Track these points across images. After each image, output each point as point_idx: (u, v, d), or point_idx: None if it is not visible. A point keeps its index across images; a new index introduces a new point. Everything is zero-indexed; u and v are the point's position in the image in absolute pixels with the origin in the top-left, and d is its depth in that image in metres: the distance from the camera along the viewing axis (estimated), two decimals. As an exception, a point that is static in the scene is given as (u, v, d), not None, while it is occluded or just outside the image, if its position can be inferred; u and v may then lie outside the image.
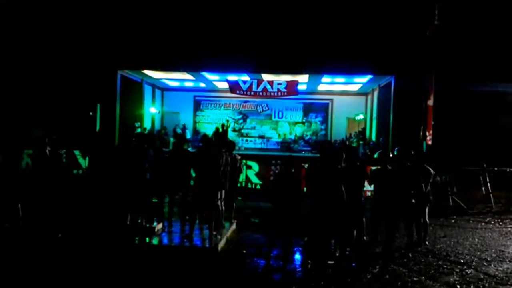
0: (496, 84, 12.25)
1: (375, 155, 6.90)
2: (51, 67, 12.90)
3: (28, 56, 12.81)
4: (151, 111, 17.06)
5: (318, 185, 5.39)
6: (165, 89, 18.46)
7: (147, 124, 16.40)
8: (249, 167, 10.60)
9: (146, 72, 14.56)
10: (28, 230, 6.18)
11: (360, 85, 15.98)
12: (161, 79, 16.34)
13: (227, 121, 17.20)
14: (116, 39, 12.59)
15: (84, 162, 11.26)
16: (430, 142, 10.40)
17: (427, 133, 10.43)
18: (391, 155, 6.96)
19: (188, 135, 16.74)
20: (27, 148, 7.89)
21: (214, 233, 6.46)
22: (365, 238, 6.49)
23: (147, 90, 16.81)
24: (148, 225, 6.63)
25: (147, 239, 6.31)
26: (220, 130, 15.11)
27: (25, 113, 12.57)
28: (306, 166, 10.06)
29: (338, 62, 12.34)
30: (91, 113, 12.94)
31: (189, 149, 8.13)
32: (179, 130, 16.35)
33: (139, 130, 13.74)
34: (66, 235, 6.13)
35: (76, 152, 11.48)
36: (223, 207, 6.80)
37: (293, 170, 5.96)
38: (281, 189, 5.56)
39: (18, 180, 6.58)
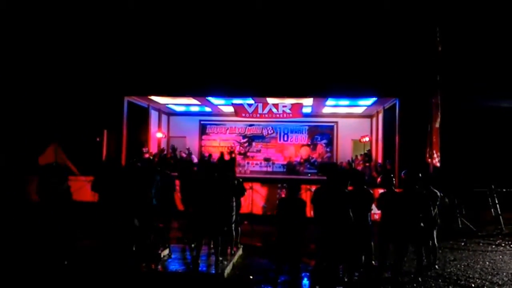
0: (504, 102, 12.25)
1: (378, 181, 6.88)
2: (59, 93, 13.14)
3: (36, 83, 13.07)
4: (157, 136, 17.19)
5: (325, 209, 5.37)
6: (171, 114, 18.65)
7: (154, 149, 16.49)
8: (255, 190, 10.58)
9: (153, 98, 14.75)
10: (34, 256, 6.17)
11: (364, 108, 16.05)
12: (167, 104, 16.53)
13: (232, 147, 17.31)
14: (123, 66, 12.83)
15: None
16: (438, 164, 10.33)
17: (435, 155, 10.38)
18: (398, 178, 6.94)
19: (195, 159, 16.77)
20: (32, 174, 7.99)
21: (221, 258, 6.42)
22: (373, 262, 6.40)
23: (154, 116, 16.98)
24: (154, 252, 6.61)
25: (153, 266, 6.28)
26: (226, 156, 15.13)
27: (32, 139, 12.72)
28: (312, 189, 10.06)
29: (342, 86, 12.45)
30: (98, 139, 13.07)
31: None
32: (184, 155, 16.38)
33: (147, 155, 13.82)
34: (72, 262, 6.12)
35: (83, 178, 11.56)
36: (234, 232, 6.83)
37: (298, 195, 5.94)
38: (286, 214, 5.52)
39: (24, 206, 6.64)
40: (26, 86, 13.09)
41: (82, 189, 11.31)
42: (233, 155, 15.45)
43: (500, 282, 6.08)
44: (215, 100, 15.11)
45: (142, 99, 15.01)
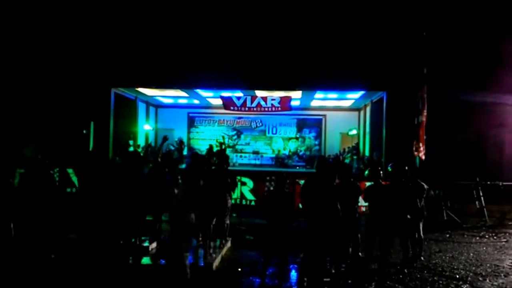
0: (488, 96, 12.42)
1: (366, 173, 6.94)
2: (45, 84, 12.90)
3: (21, 74, 12.81)
4: (145, 128, 17.06)
5: (314, 202, 5.39)
6: (159, 106, 18.50)
7: (141, 142, 16.37)
8: (243, 183, 10.59)
9: (140, 89, 14.60)
10: (21, 250, 6.09)
11: (352, 101, 16.14)
12: (155, 96, 16.39)
13: (223, 137, 17.23)
14: (110, 57, 12.64)
15: (77, 181, 11.21)
16: (423, 157, 10.46)
17: (421, 148, 10.50)
18: (385, 171, 7.00)
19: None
20: (19, 167, 7.84)
21: (210, 251, 6.42)
22: (360, 254, 6.47)
23: (141, 108, 16.83)
24: (141, 245, 6.58)
25: (141, 259, 6.25)
26: (216, 147, 15.01)
27: (17, 131, 12.51)
28: (301, 182, 10.11)
29: (330, 79, 12.48)
30: (84, 131, 12.90)
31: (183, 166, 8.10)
32: (171, 147, 16.24)
33: (132, 148, 13.68)
34: (59, 255, 6.06)
35: (69, 171, 11.42)
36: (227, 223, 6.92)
37: (286, 187, 5.95)
38: (274, 206, 5.53)
39: (10, 199, 6.53)
40: (11, 78, 12.83)
41: (68, 181, 11.23)
42: (223, 147, 15.34)
43: (483, 273, 6.20)
44: (203, 93, 15.03)
45: (129, 90, 14.85)
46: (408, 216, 6.39)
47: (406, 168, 6.75)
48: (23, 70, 12.78)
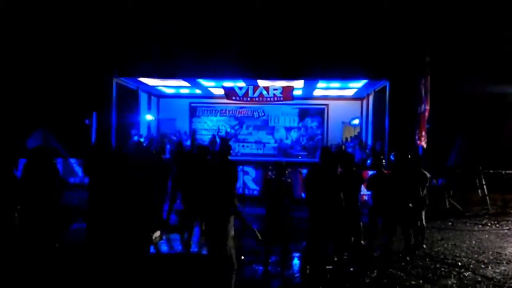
0: (492, 86, 12.35)
1: (368, 163, 6.95)
2: (47, 75, 12.90)
3: (24, 64, 12.81)
4: (147, 118, 17.05)
5: (317, 191, 5.40)
6: (161, 96, 18.47)
7: (143, 132, 16.37)
8: (246, 173, 10.61)
9: (142, 79, 14.56)
10: (25, 239, 6.14)
11: (355, 90, 16.05)
12: (157, 86, 16.35)
13: (219, 129, 17.24)
14: (112, 47, 12.60)
15: (80, 170, 11.27)
16: (425, 145, 10.45)
17: (423, 137, 10.48)
18: (388, 160, 7.00)
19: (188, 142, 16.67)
20: (22, 157, 7.88)
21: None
22: (362, 242, 6.50)
23: (143, 98, 16.80)
24: (146, 234, 6.62)
25: (145, 248, 6.30)
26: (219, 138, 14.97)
27: (20, 122, 12.54)
28: (303, 171, 10.13)
29: (332, 68, 12.40)
30: (87, 121, 12.91)
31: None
32: (174, 138, 16.30)
33: (136, 137, 13.70)
34: (63, 245, 6.11)
35: (72, 161, 11.48)
36: None
37: (285, 176, 5.95)
38: (273, 195, 5.54)
39: (14, 189, 6.56)
40: (14, 68, 12.83)
41: (71, 172, 11.30)
42: (227, 139, 15.32)
43: (485, 261, 6.23)
44: (205, 83, 14.98)
45: (131, 81, 14.82)
46: (410, 205, 6.41)
47: (409, 157, 6.75)
48: (25, 61, 12.77)
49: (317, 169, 5.58)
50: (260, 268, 5.69)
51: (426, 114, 10.49)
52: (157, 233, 6.84)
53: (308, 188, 5.52)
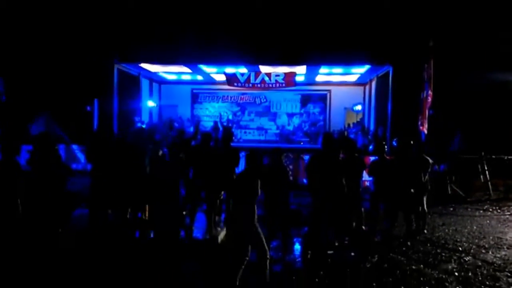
0: (494, 72, 12.25)
1: (370, 149, 6.94)
2: (48, 62, 12.85)
3: (24, 51, 12.75)
4: (149, 105, 17.03)
5: (319, 177, 5.40)
6: (162, 82, 18.41)
7: (145, 118, 16.37)
8: (248, 159, 10.62)
9: (143, 65, 14.50)
10: (28, 225, 6.19)
11: (358, 76, 15.94)
12: (158, 72, 16.29)
13: (221, 115, 17.21)
14: (113, 33, 12.51)
15: (82, 157, 11.31)
16: (426, 131, 10.43)
17: (424, 122, 10.45)
18: (390, 146, 6.99)
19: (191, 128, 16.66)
20: (25, 143, 7.91)
21: (215, 225, 6.51)
22: (364, 227, 6.54)
23: (145, 84, 16.76)
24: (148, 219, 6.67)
25: (147, 233, 6.34)
26: (222, 126, 14.92)
27: (22, 109, 12.55)
28: (305, 157, 10.13)
29: (335, 53, 12.29)
30: (88, 108, 12.91)
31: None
32: (176, 125, 16.29)
33: (139, 124, 13.71)
34: (67, 230, 6.17)
35: (75, 147, 11.51)
36: None
37: (282, 161, 5.94)
38: (269, 181, 5.54)
39: (17, 175, 6.60)
40: (16, 56, 12.78)
41: (74, 158, 11.34)
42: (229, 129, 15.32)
43: (486, 246, 6.26)
44: (207, 68, 14.90)
45: (133, 67, 14.76)
46: (412, 190, 6.42)
47: (411, 142, 6.73)
48: (27, 49, 12.71)
49: (319, 155, 5.58)
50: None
51: (429, 99, 10.44)
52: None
53: (310, 174, 5.53)
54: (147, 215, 6.72)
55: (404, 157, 6.56)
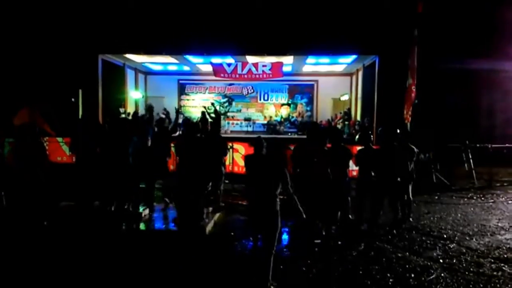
0: (477, 61, 12.37)
1: (356, 138, 6.96)
2: (31, 52, 12.56)
3: (7, 43, 12.44)
4: (134, 96, 16.84)
5: (304, 166, 5.39)
6: (148, 73, 18.21)
7: (131, 109, 16.20)
8: (235, 150, 10.59)
9: (128, 56, 14.29)
10: (13, 218, 6.10)
11: (344, 66, 15.99)
12: (144, 63, 16.09)
13: (212, 104, 17.10)
14: (96, 22, 12.27)
15: (67, 150, 11.14)
16: (409, 120, 10.52)
17: (409, 111, 10.54)
18: (376, 135, 7.01)
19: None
20: (8, 137, 7.75)
21: (203, 216, 6.49)
22: (350, 216, 6.59)
23: (130, 75, 16.56)
24: (135, 211, 6.62)
25: (134, 225, 6.30)
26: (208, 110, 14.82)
27: (4, 101, 12.27)
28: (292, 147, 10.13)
29: (322, 43, 12.29)
30: (73, 99, 12.70)
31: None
32: (163, 116, 16.16)
33: (123, 115, 13.55)
34: (52, 223, 6.09)
35: (59, 139, 11.32)
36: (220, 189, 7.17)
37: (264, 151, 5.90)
38: (254, 171, 5.52)
39: (1, 168, 6.48)
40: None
41: (58, 150, 11.16)
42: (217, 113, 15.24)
43: (470, 233, 6.36)
44: (193, 59, 14.77)
45: (117, 57, 14.54)
46: (399, 179, 6.47)
47: (397, 131, 6.77)
48: (9, 40, 12.40)
49: (303, 144, 5.58)
50: (250, 243, 5.73)
51: (412, 88, 10.51)
52: (146, 211, 6.83)
53: (295, 162, 5.53)
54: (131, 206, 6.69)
55: (388, 146, 6.58)
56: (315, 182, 5.40)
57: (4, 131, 7.96)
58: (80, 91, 12.62)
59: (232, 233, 6.16)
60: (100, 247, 5.41)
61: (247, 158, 4.78)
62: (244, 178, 4.74)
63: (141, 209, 6.72)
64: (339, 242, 5.77)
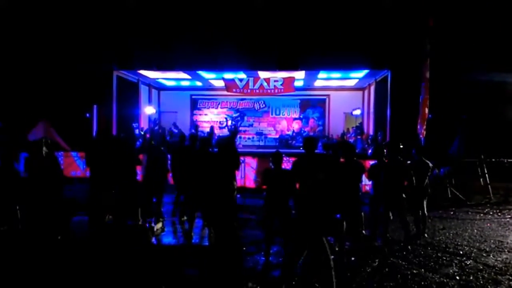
0: (493, 74, 12.27)
1: (369, 152, 6.90)
2: (47, 69, 12.87)
3: (24, 59, 12.78)
4: (148, 111, 17.03)
5: (306, 181, 5.33)
6: (161, 89, 18.44)
7: (145, 125, 16.37)
8: (247, 164, 10.60)
9: (142, 72, 14.53)
10: (27, 232, 6.17)
11: (356, 80, 15.98)
12: (157, 79, 16.32)
13: (226, 119, 17.31)
14: (112, 40, 12.55)
15: (81, 164, 11.29)
16: (424, 134, 10.43)
17: (422, 126, 10.45)
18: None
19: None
20: (23, 151, 7.90)
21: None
22: (364, 232, 6.50)
23: (144, 91, 16.78)
24: (147, 225, 6.63)
25: (146, 239, 6.31)
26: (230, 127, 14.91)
27: (21, 116, 12.54)
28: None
29: (334, 58, 12.32)
30: (88, 115, 12.91)
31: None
32: (175, 131, 16.28)
33: (136, 130, 13.69)
34: (66, 237, 6.13)
35: (74, 154, 11.49)
36: None
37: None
38: (273, 186, 5.51)
39: (16, 182, 6.58)
40: (15, 63, 12.81)
41: (73, 165, 11.31)
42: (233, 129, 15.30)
43: (487, 249, 6.22)
44: (205, 74, 14.93)
45: (132, 73, 14.79)
46: (404, 195, 6.34)
47: (400, 146, 6.66)
48: (26, 56, 12.74)
49: (303, 159, 5.54)
50: (261, 258, 5.70)
51: (426, 102, 10.46)
52: (159, 225, 6.85)
53: (297, 177, 5.47)
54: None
55: (392, 160, 6.47)
56: (317, 198, 5.35)
57: (19, 145, 8.11)
58: (95, 106, 12.83)
59: (244, 248, 6.12)
60: (114, 261, 5.42)
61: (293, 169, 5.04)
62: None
63: (153, 223, 6.74)
64: (353, 258, 5.69)
